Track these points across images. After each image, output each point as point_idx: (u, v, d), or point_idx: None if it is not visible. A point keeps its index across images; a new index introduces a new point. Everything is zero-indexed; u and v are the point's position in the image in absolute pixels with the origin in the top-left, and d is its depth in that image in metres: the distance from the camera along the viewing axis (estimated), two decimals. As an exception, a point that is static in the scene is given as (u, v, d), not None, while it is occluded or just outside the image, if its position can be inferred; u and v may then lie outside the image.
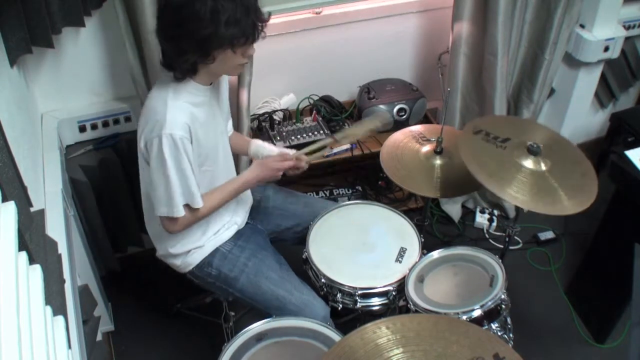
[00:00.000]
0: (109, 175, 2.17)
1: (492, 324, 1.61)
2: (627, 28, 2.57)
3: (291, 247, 2.01)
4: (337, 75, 2.53)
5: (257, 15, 1.50)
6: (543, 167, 1.71)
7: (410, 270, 1.74)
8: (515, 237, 2.65)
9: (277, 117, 2.40)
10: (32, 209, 1.24)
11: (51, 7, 1.72)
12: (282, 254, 1.91)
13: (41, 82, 2.02)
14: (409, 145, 2.00)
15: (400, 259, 1.79)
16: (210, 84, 1.64)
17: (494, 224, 2.76)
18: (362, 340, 1.25)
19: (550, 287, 2.51)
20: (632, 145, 2.02)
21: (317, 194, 2.63)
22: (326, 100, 2.49)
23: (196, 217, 1.67)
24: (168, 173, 1.54)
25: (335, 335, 1.56)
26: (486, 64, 2.35)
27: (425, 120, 2.53)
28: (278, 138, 2.30)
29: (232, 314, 1.94)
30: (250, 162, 2.28)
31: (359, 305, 1.73)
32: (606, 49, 2.49)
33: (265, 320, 1.61)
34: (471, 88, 2.49)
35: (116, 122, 2.15)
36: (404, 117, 2.41)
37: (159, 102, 1.55)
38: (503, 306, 1.62)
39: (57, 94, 2.07)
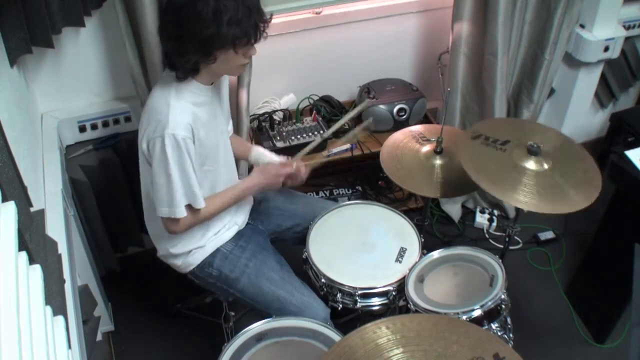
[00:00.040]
0: (109, 175, 2.17)
1: (492, 324, 1.61)
2: (627, 28, 2.57)
3: (291, 247, 2.01)
4: (337, 75, 2.53)
5: (259, 15, 1.50)
6: (545, 166, 1.71)
7: (410, 270, 1.74)
8: (515, 237, 2.65)
9: (277, 117, 2.40)
10: (32, 209, 1.24)
11: (51, 7, 1.72)
12: (282, 254, 1.91)
13: (41, 82, 2.02)
14: (409, 145, 2.00)
15: (400, 259, 1.79)
16: (211, 84, 1.64)
17: (494, 224, 2.76)
18: (362, 340, 1.25)
19: (550, 287, 2.51)
20: (632, 145, 2.02)
21: (317, 194, 2.63)
22: (326, 100, 2.49)
23: (197, 218, 1.68)
24: (170, 173, 1.54)
25: (335, 335, 1.56)
26: (486, 64, 2.35)
27: (425, 120, 2.53)
28: (278, 138, 2.30)
29: (232, 314, 1.94)
30: (251, 168, 2.29)
31: (359, 305, 1.73)
32: (606, 49, 2.49)
33: (265, 320, 1.61)
34: (471, 88, 2.49)
35: (116, 122, 2.15)
36: (404, 117, 2.41)
37: (161, 102, 1.55)
38: (503, 306, 1.62)
39: (57, 94, 2.07)
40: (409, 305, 1.66)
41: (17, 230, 0.94)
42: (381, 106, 2.39)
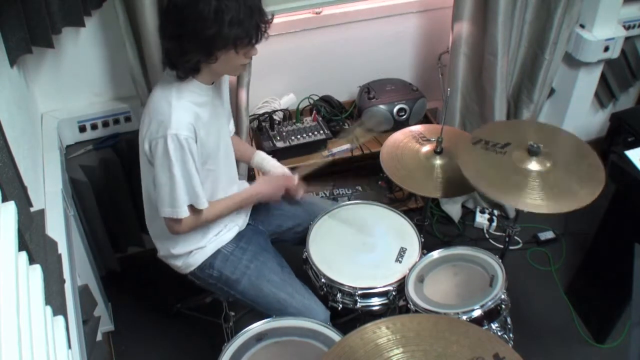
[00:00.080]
0: (109, 175, 2.17)
1: (492, 324, 1.61)
2: (627, 28, 2.57)
3: (291, 248, 2.01)
4: (337, 75, 2.53)
5: (260, 16, 1.50)
6: (548, 165, 1.71)
7: (410, 270, 1.74)
8: (515, 237, 2.65)
9: (277, 117, 2.40)
10: (32, 209, 1.24)
11: (51, 7, 1.72)
12: (282, 254, 1.91)
13: (41, 82, 2.02)
14: (409, 145, 2.00)
15: (400, 259, 1.79)
16: (212, 83, 1.64)
17: (494, 224, 2.76)
18: (362, 340, 1.25)
19: (550, 287, 2.51)
20: (632, 145, 2.02)
21: (317, 194, 2.63)
22: (326, 100, 2.49)
23: (200, 220, 1.68)
24: (173, 173, 1.54)
25: (335, 335, 1.56)
26: (486, 64, 2.35)
27: (425, 120, 2.53)
28: (278, 138, 2.30)
29: (232, 314, 1.94)
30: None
31: (359, 305, 1.73)
32: (606, 49, 2.49)
33: (265, 320, 1.61)
34: (471, 88, 2.49)
35: (116, 122, 2.15)
36: (404, 117, 2.41)
37: (163, 102, 1.55)
38: (503, 306, 1.62)
39: (57, 94, 2.07)
40: (409, 305, 1.66)
41: (17, 230, 0.94)
42: (381, 106, 2.39)
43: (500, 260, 1.71)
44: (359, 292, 1.71)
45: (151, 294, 2.48)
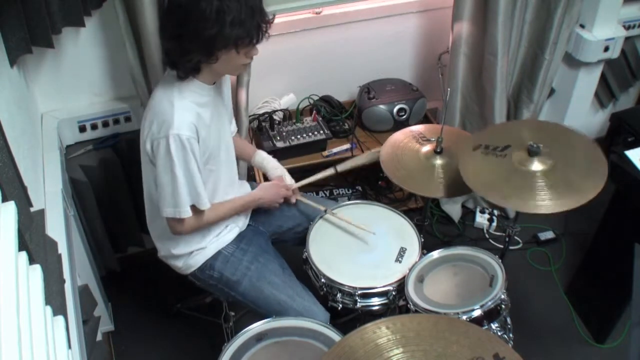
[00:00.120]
0: (109, 175, 2.17)
1: (492, 324, 1.61)
2: (627, 28, 2.57)
3: (291, 248, 2.01)
4: (337, 75, 2.53)
5: (261, 16, 1.50)
6: (550, 163, 1.69)
7: (410, 270, 1.74)
8: (515, 237, 2.65)
9: (277, 117, 2.40)
10: (32, 209, 1.24)
11: (51, 7, 1.72)
12: (282, 254, 1.91)
13: (41, 82, 2.02)
14: (409, 145, 2.00)
15: (400, 259, 1.79)
16: (213, 84, 1.64)
17: (494, 224, 2.76)
18: (362, 340, 1.25)
19: (550, 287, 2.51)
20: (632, 145, 2.02)
21: (317, 194, 2.63)
22: (326, 100, 2.49)
23: (202, 220, 1.68)
24: (176, 173, 1.54)
25: (335, 335, 1.56)
26: (486, 64, 2.35)
27: (425, 120, 2.53)
28: (278, 138, 2.30)
29: (232, 314, 1.94)
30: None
31: (359, 305, 1.73)
32: (606, 49, 2.49)
33: (265, 320, 1.61)
34: (471, 88, 2.49)
35: (116, 122, 2.15)
36: (404, 117, 2.41)
37: (165, 102, 1.55)
38: (503, 306, 1.62)
39: (57, 94, 2.07)
40: (408, 305, 1.66)
41: (17, 230, 0.94)
42: (381, 106, 2.39)
43: (500, 260, 1.71)
44: (359, 292, 1.71)
45: (151, 294, 2.48)
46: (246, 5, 1.45)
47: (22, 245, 1.01)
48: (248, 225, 1.93)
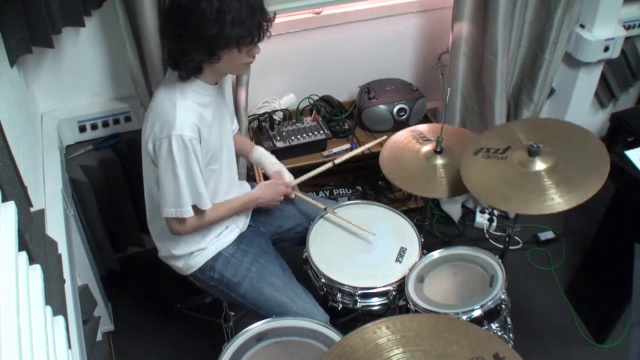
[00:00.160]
0: (109, 175, 2.17)
1: (492, 324, 1.61)
2: (627, 28, 2.57)
3: (291, 248, 2.01)
4: (337, 75, 2.53)
5: (262, 14, 1.50)
6: (552, 161, 1.68)
7: (410, 270, 1.74)
8: (515, 237, 2.65)
9: (277, 117, 2.40)
10: (32, 209, 1.24)
11: (51, 7, 1.72)
12: (282, 254, 1.91)
13: (41, 82, 2.02)
14: (409, 145, 2.00)
15: (400, 259, 1.79)
16: (215, 84, 1.64)
17: (494, 224, 2.76)
18: (362, 340, 1.25)
19: (550, 287, 2.51)
20: (632, 145, 2.02)
21: (317, 194, 2.63)
22: (326, 100, 2.49)
23: (203, 220, 1.68)
24: (177, 174, 1.54)
25: (335, 335, 1.56)
26: (486, 64, 2.35)
27: (425, 120, 2.53)
28: (278, 138, 2.30)
29: (232, 314, 1.94)
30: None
31: (359, 305, 1.73)
32: (606, 49, 2.49)
33: (265, 320, 1.61)
34: (471, 88, 2.49)
35: (116, 122, 2.15)
36: (404, 117, 2.41)
37: (167, 103, 1.54)
38: (503, 306, 1.62)
39: (57, 94, 2.07)
40: (409, 305, 1.66)
41: (17, 230, 0.94)
42: (381, 106, 2.39)
43: (500, 260, 1.71)
44: (359, 292, 1.71)
45: (151, 294, 2.48)
46: (247, 4, 1.45)
47: (22, 245, 1.01)
48: (249, 226, 1.93)
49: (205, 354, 2.24)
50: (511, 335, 1.68)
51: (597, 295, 2.29)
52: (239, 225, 1.87)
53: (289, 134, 2.31)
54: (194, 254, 1.78)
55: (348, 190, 2.67)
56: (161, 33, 1.56)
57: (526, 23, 2.38)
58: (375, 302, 1.74)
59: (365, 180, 2.73)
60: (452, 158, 1.92)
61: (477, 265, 1.73)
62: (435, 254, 1.78)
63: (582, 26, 2.51)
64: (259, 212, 1.97)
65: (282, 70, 2.43)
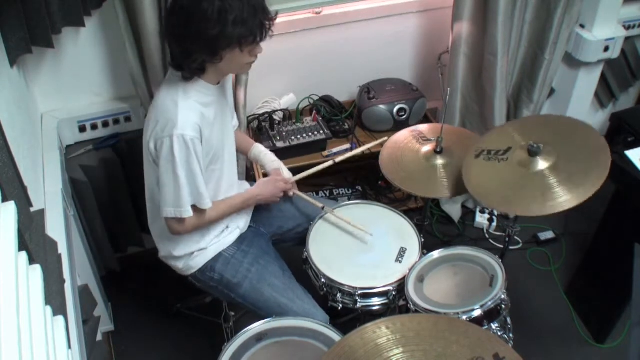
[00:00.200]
0: (109, 175, 2.17)
1: (492, 324, 1.61)
2: (627, 28, 2.57)
3: (291, 248, 2.01)
4: (337, 75, 2.53)
5: (264, 14, 1.50)
6: (554, 159, 1.67)
7: (410, 270, 1.74)
8: (515, 237, 2.65)
9: (277, 117, 2.40)
10: (32, 209, 1.24)
11: (51, 7, 1.72)
12: (281, 254, 1.91)
13: (41, 82, 2.02)
14: (409, 145, 2.00)
15: (400, 259, 1.79)
16: (217, 83, 1.64)
17: (494, 224, 2.76)
18: (362, 340, 1.25)
19: (550, 287, 2.51)
20: (632, 145, 2.02)
21: (317, 194, 2.63)
22: (326, 100, 2.49)
23: (203, 220, 1.68)
24: (178, 174, 1.54)
25: (335, 335, 1.56)
26: (486, 64, 2.35)
27: (425, 120, 2.53)
28: (278, 138, 2.30)
29: (232, 314, 1.94)
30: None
31: (359, 305, 1.73)
32: (606, 49, 2.49)
33: (265, 320, 1.61)
34: (471, 88, 2.49)
35: (116, 122, 2.15)
36: (404, 117, 2.41)
37: (169, 102, 1.54)
38: (503, 306, 1.62)
39: (57, 94, 2.07)
40: (409, 305, 1.66)
41: (17, 230, 0.94)
42: (381, 106, 2.39)
43: (500, 260, 1.71)
44: (359, 292, 1.71)
45: (151, 294, 2.48)
46: (249, 4, 1.45)
47: (22, 245, 1.01)
48: (249, 226, 1.93)
49: (205, 354, 2.24)
50: (511, 335, 1.68)
51: (597, 295, 2.29)
52: (239, 226, 1.86)
53: (289, 134, 2.31)
54: (194, 254, 1.78)
55: (348, 190, 2.67)
56: (164, 34, 1.56)
57: (526, 23, 2.38)
58: (375, 302, 1.74)
59: (365, 180, 2.73)
60: (452, 158, 1.92)
61: (477, 265, 1.73)
62: (435, 254, 1.78)
63: (582, 26, 2.51)
64: (259, 213, 1.97)
65: (282, 70, 2.43)
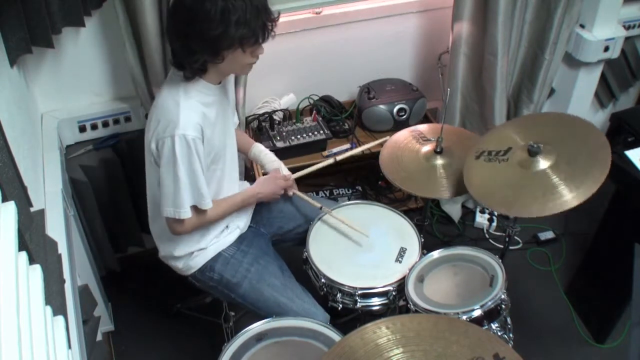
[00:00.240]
0: (109, 175, 2.17)
1: (492, 324, 1.61)
2: (627, 28, 2.57)
3: (291, 248, 2.01)
4: (337, 75, 2.53)
5: (267, 15, 1.50)
6: (555, 158, 1.67)
7: (410, 270, 1.74)
8: (515, 237, 2.65)
9: (277, 117, 2.40)
10: (32, 209, 1.24)
11: (51, 7, 1.72)
12: (281, 254, 1.91)
13: (41, 82, 2.02)
14: (409, 145, 2.00)
15: (400, 259, 1.79)
16: (219, 83, 1.64)
17: (494, 224, 2.76)
18: (362, 340, 1.25)
19: (550, 287, 2.51)
20: (632, 145, 2.02)
21: (317, 194, 2.63)
22: (326, 100, 2.49)
23: (203, 220, 1.68)
24: (179, 174, 1.53)
25: (335, 335, 1.56)
26: (486, 64, 2.35)
27: (425, 120, 2.53)
28: (278, 138, 2.30)
29: (232, 314, 1.94)
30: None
31: (359, 305, 1.73)
32: (606, 49, 2.49)
33: (265, 320, 1.61)
34: (471, 88, 2.49)
35: (116, 122, 2.15)
36: (404, 117, 2.41)
37: (171, 102, 1.54)
38: (503, 306, 1.62)
39: (57, 94, 2.07)
40: (409, 305, 1.66)
41: (17, 230, 0.94)
42: (381, 106, 2.39)
43: (500, 260, 1.71)
44: (359, 292, 1.71)
45: (151, 294, 2.48)
46: (251, 5, 1.44)
47: (22, 245, 1.01)
48: (249, 227, 1.92)
49: (205, 354, 2.24)
50: (511, 335, 1.68)
51: (597, 295, 2.29)
52: (239, 226, 1.86)
53: (289, 134, 2.31)
54: (194, 254, 1.78)
55: (348, 190, 2.67)
56: (167, 34, 1.56)
57: (526, 23, 2.38)
58: (375, 302, 1.74)
59: (365, 180, 2.73)
60: (452, 158, 1.92)
61: (477, 265, 1.73)
62: (435, 254, 1.78)
63: (582, 26, 2.51)
64: (259, 213, 1.97)
65: (282, 70, 2.43)
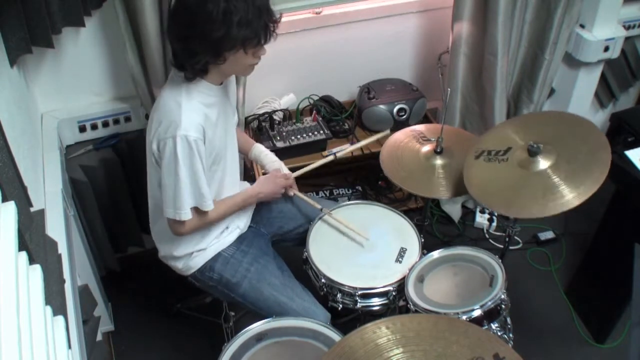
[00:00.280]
0: (109, 175, 2.17)
1: (492, 324, 1.61)
2: (627, 28, 2.57)
3: (291, 248, 2.01)
4: (337, 75, 2.53)
5: (269, 15, 1.49)
6: (554, 158, 1.67)
7: (410, 270, 1.74)
8: (515, 237, 2.65)
9: (277, 117, 2.40)
10: (32, 209, 1.24)
11: (51, 7, 1.72)
12: (281, 254, 1.91)
13: (41, 82, 2.02)
14: (409, 145, 2.00)
15: (400, 259, 1.79)
16: (220, 84, 1.64)
17: (494, 224, 2.76)
18: (362, 340, 1.25)
19: (550, 287, 2.51)
20: (632, 145, 2.02)
21: (317, 194, 2.63)
22: (326, 100, 2.49)
23: (204, 221, 1.68)
24: (180, 175, 1.53)
25: (335, 335, 1.56)
26: (486, 64, 2.35)
27: (425, 120, 2.53)
28: (278, 138, 2.30)
29: (232, 314, 1.94)
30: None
31: (359, 305, 1.73)
32: (606, 49, 2.49)
33: (266, 320, 1.61)
34: (471, 88, 2.49)
35: (116, 122, 2.15)
36: (404, 117, 2.41)
37: (172, 103, 1.54)
38: (503, 306, 1.62)
39: (57, 94, 2.07)
40: (408, 305, 1.66)
41: (17, 230, 0.94)
42: (381, 106, 2.39)
43: (500, 260, 1.71)
44: (359, 292, 1.71)
45: (151, 294, 2.48)
46: (253, 6, 1.44)
47: (22, 245, 1.01)
48: (249, 226, 1.92)
49: (205, 354, 2.24)
50: (511, 335, 1.68)
51: (597, 295, 2.29)
52: (239, 226, 1.86)
53: (289, 134, 2.31)
54: (194, 254, 1.78)
55: (348, 190, 2.67)
56: (168, 35, 1.55)
57: (526, 23, 2.38)
58: (375, 302, 1.74)
59: (365, 180, 2.73)
60: (452, 158, 1.92)
61: (477, 265, 1.73)
62: (435, 254, 1.78)
63: (582, 26, 2.51)
64: (259, 214, 1.97)
65: (282, 70, 2.43)
